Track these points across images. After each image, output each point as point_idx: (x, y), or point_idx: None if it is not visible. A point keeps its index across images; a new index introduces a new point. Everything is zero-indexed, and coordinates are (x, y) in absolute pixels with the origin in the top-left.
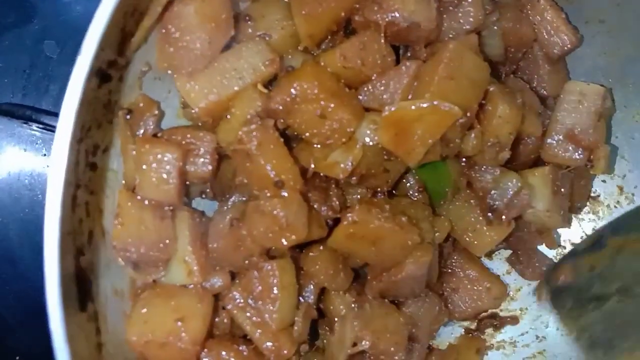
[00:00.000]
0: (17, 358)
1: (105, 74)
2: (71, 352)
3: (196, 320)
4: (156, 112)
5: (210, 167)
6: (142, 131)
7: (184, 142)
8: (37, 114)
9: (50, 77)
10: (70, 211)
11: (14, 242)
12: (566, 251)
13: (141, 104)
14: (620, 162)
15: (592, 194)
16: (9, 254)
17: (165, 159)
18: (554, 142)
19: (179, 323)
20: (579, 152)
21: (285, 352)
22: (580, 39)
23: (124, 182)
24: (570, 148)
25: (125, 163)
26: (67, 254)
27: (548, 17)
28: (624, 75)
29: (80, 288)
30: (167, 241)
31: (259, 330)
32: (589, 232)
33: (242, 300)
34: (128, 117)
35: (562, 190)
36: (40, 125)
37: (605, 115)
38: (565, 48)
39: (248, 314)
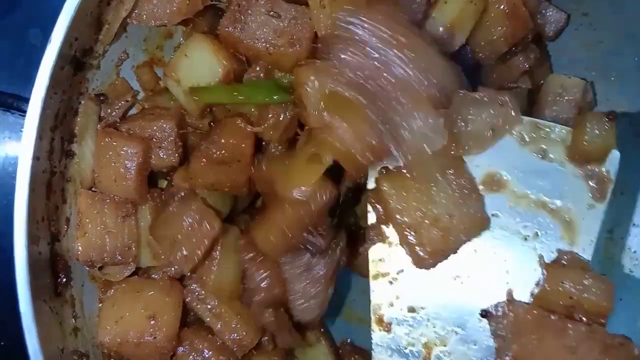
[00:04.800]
0: (2, 343)
1: (80, 62)
2: (40, 335)
3: (168, 315)
4: (129, 99)
5: (176, 157)
6: (108, 118)
7: (145, 135)
8: (19, 101)
9: (34, 65)
10: (44, 198)
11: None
12: None
13: (119, 88)
14: None
15: None
16: None
17: (126, 153)
18: None
19: (152, 321)
20: None
21: (248, 342)
22: (567, 17)
23: (80, 179)
24: None
25: (83, 156)
26: (41, 239)
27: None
28: (606, 68)
29: (56, 273)
30: (132, 244)
31: (220, 322)
32: None
33: (201, 292)
34: (102, 98)
35: None
36: (23, 113)
37: (585, 108)
38: (560, 25)
39: (208, 306)
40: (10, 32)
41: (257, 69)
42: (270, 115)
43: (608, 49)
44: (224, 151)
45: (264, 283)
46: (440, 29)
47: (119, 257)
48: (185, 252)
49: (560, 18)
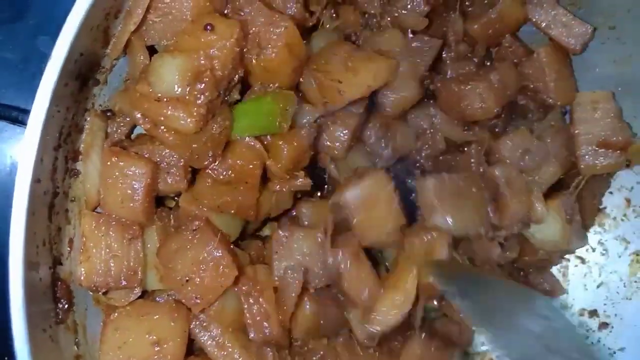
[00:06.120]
0: (6, 358)
1: (87, 78)
2: None
3: (173, 342)
4: None
5: (184, 183)
6: (114, 136)
7: (154, 160)
8: (23, 115)
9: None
10: (46, 220)
11: (5, 245)
12: (570, 264)
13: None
14: (628, 174)
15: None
16: (1, 257)
17: (133, 174)
18: (588, 154)
19: (156, 347)
20: (616, 154)
21: None
22: (592, 30)
23: (85, 199)
24: (606, 154)
25: (88, 175)
26: (41, 265)
27: (557, 16)
28: (634, 84)
29: (57, 299)
30: (138, 268)
31: (222, 353)
32: (595, 244)
33: (205, 319)
34: (109, 114)
35: (575, 216)
36: None
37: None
38: (587, 37)
39: (212, 334)
40: (19, 40)
41: (256, 88)
42: (280, 142)
43: (637, 64)
44: (230, 172)
45: (258, 318)
46: None
47: (124, 282)
48: (197, 300)
49: (586, 31)
